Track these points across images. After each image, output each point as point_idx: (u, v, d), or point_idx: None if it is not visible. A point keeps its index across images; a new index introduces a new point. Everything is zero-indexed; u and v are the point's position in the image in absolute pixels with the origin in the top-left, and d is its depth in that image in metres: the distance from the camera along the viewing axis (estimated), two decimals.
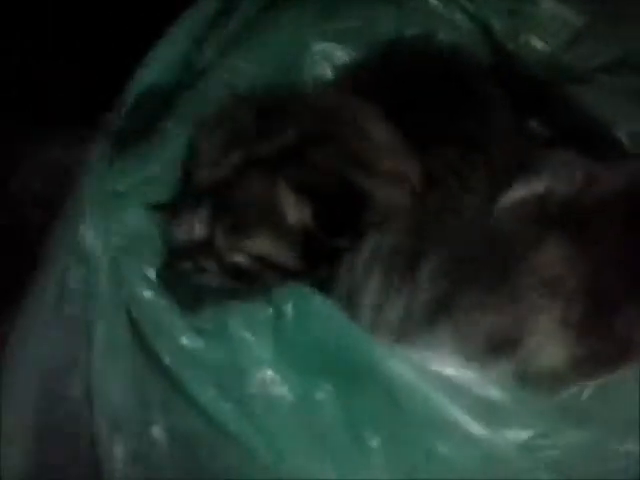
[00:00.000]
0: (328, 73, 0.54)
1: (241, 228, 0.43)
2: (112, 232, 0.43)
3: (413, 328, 0.40)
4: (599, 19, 0.54)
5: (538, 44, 0.55)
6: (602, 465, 0.33)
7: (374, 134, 0.47)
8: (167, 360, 0.39)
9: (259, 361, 0.39)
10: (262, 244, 0.43)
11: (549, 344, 0.39)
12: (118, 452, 0.40)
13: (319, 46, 0.54)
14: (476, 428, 0.34)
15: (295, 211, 0.43)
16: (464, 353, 0.38)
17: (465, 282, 0.40)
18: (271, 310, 0.40)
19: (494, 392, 0.35)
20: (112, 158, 0.44)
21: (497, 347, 0.39)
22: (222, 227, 0.43)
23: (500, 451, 0.33)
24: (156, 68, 0.47)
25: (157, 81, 0.47)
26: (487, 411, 0.35)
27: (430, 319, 0.40)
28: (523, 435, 0.34)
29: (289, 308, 0.39)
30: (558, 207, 0.43)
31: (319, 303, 0.39)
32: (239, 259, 0.43)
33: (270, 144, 0.45)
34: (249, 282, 0.43)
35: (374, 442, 0.35)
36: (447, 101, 0.50)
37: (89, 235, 0.42)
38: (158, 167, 0.47)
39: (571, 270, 0.40)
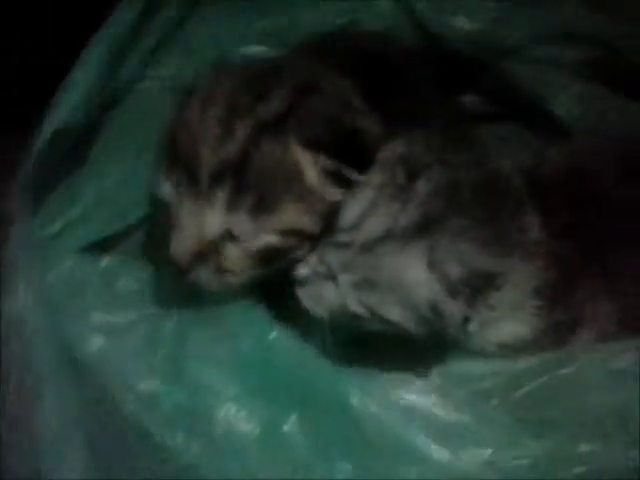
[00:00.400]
0: None
1: (266, 204, 0.40)
2: (48, 285, 0.42)
3: (389, 248, 0.39)
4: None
5: (464, 23, 0.54)
6: (567, 471, 0.34)
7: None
8: (129, 409, 0.39)
9: (222, 399, 0.39)
10: (291, 215, 0.41)
11: (517, 308, 0.40)
12: None
13: (246, 50, 0.52)
14: (439, 452, 0.35)
15: (313, 169, 0.42)
16: (435, 281, 0.38)
17: (457, 208, 0.40)
18: (230, 345, 0.39)
19: (453, 414, 0.36)
20: (35, 207, 0.43)
21: (470, 280, 0.39)
22: (245, 210, 0.40)
23: (463, 471, 0.34)
24: (70, 101, 0.45)
25: (74, 113, 0.45)
26: (448, 434, 0.36)
27: (410, 237, 0.39)
28: (485, 452, 0.35)
29: (248, 342, 0.39)
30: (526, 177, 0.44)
31: (278, 335, 0.39)
32: (269, 239, 0.41)
33: (270, 106, 0.42)
34: (280, 263, 0.42)
35: (344, 471, 0.36)
36: (373, 86, 0.49)
37: (22, 296, 0.41)
38: (87, 202, 0.46)
39: (545, 239, 0.41)
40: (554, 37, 0.58)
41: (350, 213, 0.41)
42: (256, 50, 0.53)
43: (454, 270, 0.38)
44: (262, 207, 0.40)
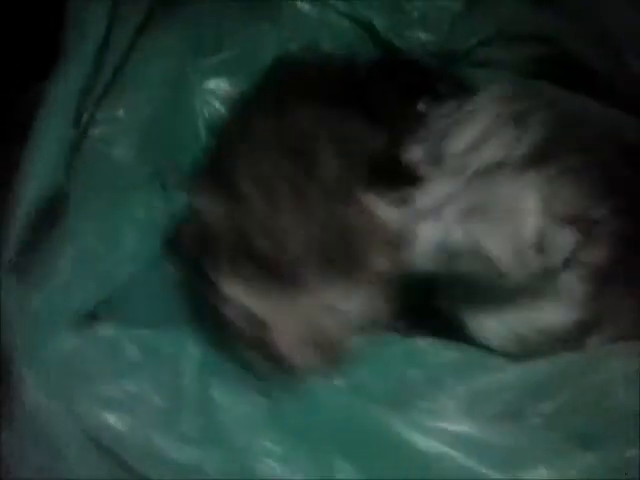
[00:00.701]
0: (220, 108, 0.51)
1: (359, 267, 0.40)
2: (46, 365, 0.39)
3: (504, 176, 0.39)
4: (471, 3, 0.55)
5: (421, 36, 0.55)
6: (622, 475, 0.35)
7: None
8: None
9: (263, 455, 0.37)
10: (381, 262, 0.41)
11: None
12: None
13: (206, 84, 0.51)
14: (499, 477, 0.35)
15: (383, 205, 0.41)
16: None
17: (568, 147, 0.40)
18: (264, 400, 0.38)
19: (496, 437, 0.36)
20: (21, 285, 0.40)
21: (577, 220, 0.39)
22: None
23: None
24: (39, 173, 0.42)
25: (44, 184, 0.42)
26: (500, 459, 0.36)
27: (526, 167, 0.39)
28: (542, 472, 0.36)
29: (278, 392, 0.38)
30: None
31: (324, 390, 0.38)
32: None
33: (324, 175, 0.41)
34: None
35: None
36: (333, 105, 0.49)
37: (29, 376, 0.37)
38: (68, 267, 0.43)
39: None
40: (502, 38, 0.59)
41: (461, 140, 0.40)
42: (218, 83, 0.51)
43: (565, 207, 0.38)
44: (356, 271, 0.39)
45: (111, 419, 0.38)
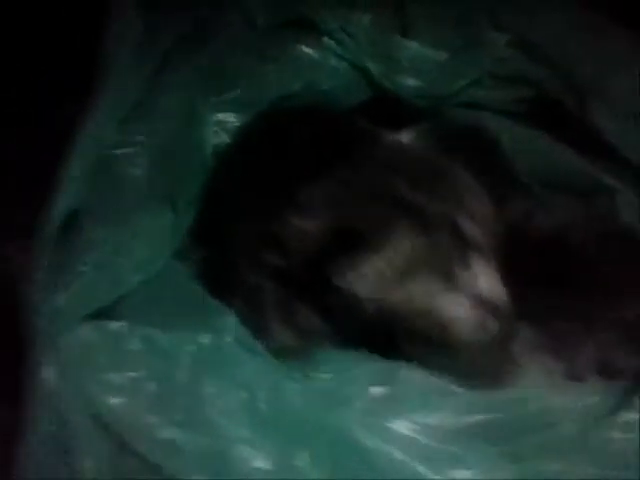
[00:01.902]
0: (226, 139, 0.61)
1: None
2: (63, 352, 0.48)
3: None
4: (455, 52, 0.64)
5: (410, 81, 0.63)
6: None
7: None
8: (152, 458, 0.46)
9: (239, 444, 0.46)
10: None
11: None
12: None
13: (214, 117, 0.60)
14: (434, 476, 0.44)
15: None
16: None
17: None
18: (245, 395, 0.47)
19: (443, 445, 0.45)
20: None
21: None
22: None
23: None
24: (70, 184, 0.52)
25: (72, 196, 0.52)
26: (442, 460, 0.44)
27: None
28: (471, 472, 0.44)
29: (262, 391, 0.47)
30: None
31: (292, 386, 0.47)
32: None
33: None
34: None
35: None
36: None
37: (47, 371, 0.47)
38: (88, 271, 0.52)
39: None
40: (487, 80, 0.68)
41: None
42: (226, 117, 0.60)
43: None
44: None
45: (113, 401, 0.47)
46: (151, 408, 0.47)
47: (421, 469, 0.44)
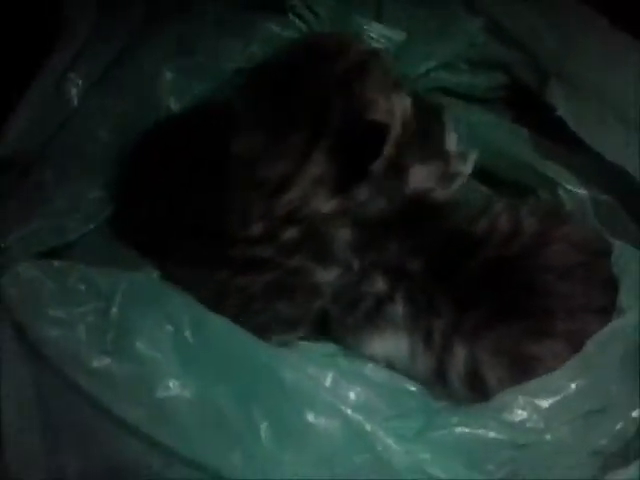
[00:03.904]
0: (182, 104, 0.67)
1: None
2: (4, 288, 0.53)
3: None
4: (425, 34, 0.70)
5: None
6: None
7: None
8: (84, 383, 0.50)
9: (163, 372, 0.50)
10: None
11: None
12: None
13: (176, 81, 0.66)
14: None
15: None
16: None
17: None
18: (171, 328, 0.52)
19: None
20: None
21: None
22: None
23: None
24: (20, 125, 0.58)
25: (23, 138, 0.58)
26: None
27: None
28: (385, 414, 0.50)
29: (187, 325, 0.52)
30: None
31: (213, 318, 0.52)
32: None
33: None
34: None
35: (264, 421, 0.48)
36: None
37: None
38: (38, 220, 0.58)
39: None
40: (461, 65, 0.73)
41: None
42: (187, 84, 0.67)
43: None
44: None
45: (52, 333, 0.52)
46: (88, 341, 0.52)
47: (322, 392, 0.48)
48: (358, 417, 0.48)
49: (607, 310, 0.52)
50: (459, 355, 0.54)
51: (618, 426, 0.49)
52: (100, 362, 0.51)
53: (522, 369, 0.52)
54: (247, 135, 0.58)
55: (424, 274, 0.57)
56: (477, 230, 0.57)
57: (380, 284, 0.58)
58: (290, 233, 0.58)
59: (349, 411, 0.48)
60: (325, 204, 0.58)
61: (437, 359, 0.56)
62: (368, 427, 0.48)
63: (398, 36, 0.69)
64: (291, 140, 0.57)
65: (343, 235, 0.58)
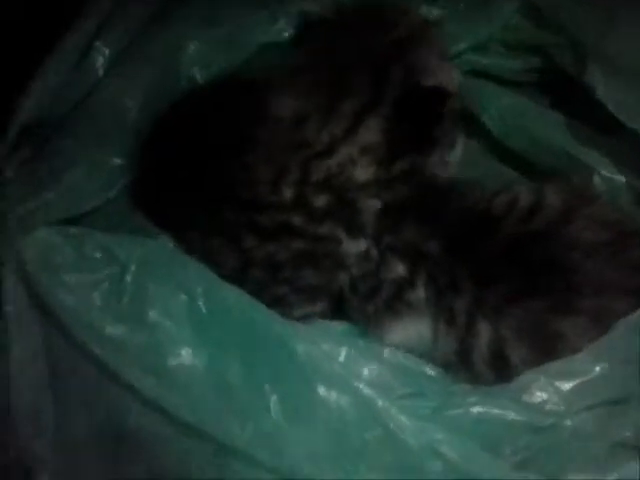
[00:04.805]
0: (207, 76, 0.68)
1: None
2: (22, 252, 0.54)
3: None
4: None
5: None
6: None
7: None
8: (96, 350, 0.51)
9: (176, 341, 0.51)
10: None
11: None
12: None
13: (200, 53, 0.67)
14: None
15: None
16: None
17: None
18: (185, 297, 0.52)
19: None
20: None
21: None
22: None
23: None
24: (42, 93, 0.59)
25: (45, 105, 0.58)
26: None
27: None
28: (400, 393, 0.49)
29: (201, 294, 0.52)
30: None
31: (227, 288, 0.52)
32: None
33: None
34: None
35: (274, 394, 0.49)
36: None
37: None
38: (59, 187, 0.59)
39: None
40: (492, 46, 0.73)
41: None
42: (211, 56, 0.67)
43: None
44: None
45: (67, 299, 0.53)
46: (102, 307, 0.53)
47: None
48: (370, 392, 0.48)
49: (638, 293, 0.51)
50: (483, 334, 0.54)
51: None
52: (113, 329, 0.52)
53: (546, 348, 0.51)
54: (293, 97, 0.59)
55: (444, 255, 0.56)
56: (496, 206, 0.57)
57: (400, 269, 0.58)
58: (322, 200, 0.57)
59: (361, 386, 0.48)
60: (363, 173, 0.58)
61: (460, 340, 0.56)
62: (380, 403, 0.47)
63: (438, 12, 0.69)
64: (345, 105, 0.57)
65: (373, 206, 0.58)
